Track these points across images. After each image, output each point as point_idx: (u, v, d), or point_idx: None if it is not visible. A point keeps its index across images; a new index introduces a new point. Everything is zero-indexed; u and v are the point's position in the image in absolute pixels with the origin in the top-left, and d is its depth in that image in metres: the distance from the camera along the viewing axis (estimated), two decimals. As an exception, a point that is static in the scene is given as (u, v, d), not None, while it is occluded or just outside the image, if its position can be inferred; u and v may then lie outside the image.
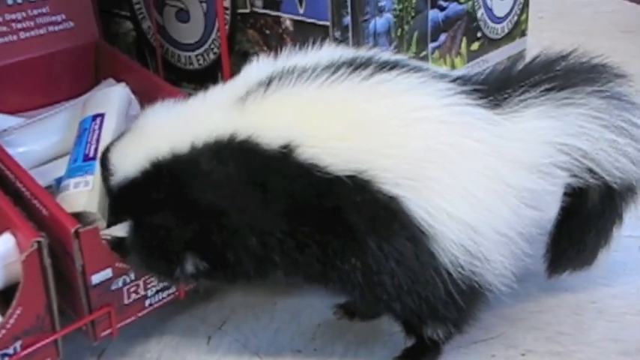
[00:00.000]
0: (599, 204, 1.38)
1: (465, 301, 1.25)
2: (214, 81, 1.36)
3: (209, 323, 1.49)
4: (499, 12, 1.95)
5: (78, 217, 1.32)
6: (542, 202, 1.27)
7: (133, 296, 1.37)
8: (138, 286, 1.36)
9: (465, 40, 1.86)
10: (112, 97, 1.61)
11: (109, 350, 1.44)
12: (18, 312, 1.22)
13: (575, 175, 1.30)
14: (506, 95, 1.27)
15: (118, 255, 1.31)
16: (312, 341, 1.45)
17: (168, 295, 1.43)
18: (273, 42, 1.63)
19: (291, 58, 1.30)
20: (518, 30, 2.04)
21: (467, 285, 1.22)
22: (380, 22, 1.60)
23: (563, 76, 1.30)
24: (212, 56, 1.78)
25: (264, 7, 1.61)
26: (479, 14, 1.88)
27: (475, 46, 1.90)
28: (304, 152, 1.18)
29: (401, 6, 1.63)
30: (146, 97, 1.60)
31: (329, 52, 1.31)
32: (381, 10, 1.59)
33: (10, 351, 1.23)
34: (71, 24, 1.84)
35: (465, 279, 1.21)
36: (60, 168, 1.51)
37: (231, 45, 1.68)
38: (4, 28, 1.75)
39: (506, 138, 1.23)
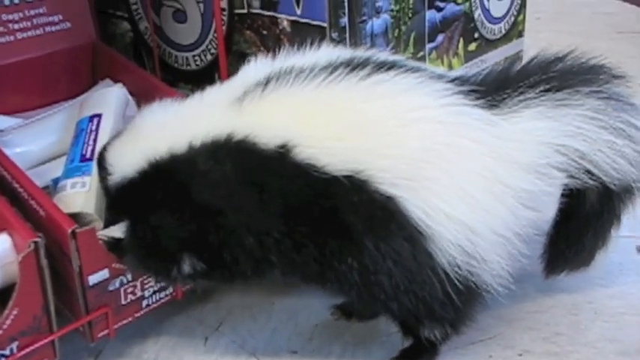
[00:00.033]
0: (597, 205, 1.38)
1: (462, 301, 1.25)
2: (211, 82, 1.35)
3: (206, 324, 1.49)
4: (496, 13, 1.95)
5: (75, 217, 1.32)
6: (540, 202, 1.27)
7: (130, 297, 1.36)
8: (135, 286, 1.36)
9: (462, 40, 1.86)
10: (109, 98, 1.60)
11: (106, 351, 1.44)
12: (15, 313, 1.22)
13: (572, 176, 1.30)
14: (504, 96, 1.27)
15: (115, 256, 1.31)
16: (309, 342, 1.45)
17: (166, 295, 1.43)
18: (271, 43, 1.63)
19: (289, 58, 1.30)
20: (515, 31, 2.04)
21: (464, 285, 1.22)
22: (377, 23, 1.60)
23: (560, 76, 1.30)
24: (209, 57, 1.78)
25: (262, 8, 1.61)
26: (476, 15, 1.88)
27: (472, 46, 1.90)
28: (301, 152, 1.18)
29: (398, 7, 1.64)
30: (143, 97, 1.60)
31: (327, 52, 1.31)
32: (378, 11, 1.59)
33: (7, 352, 1.23)
34: (68, 24, 1.84)
35: (462, 279, 1.21)
36: (57, 168, 1.51)
37: (228, 46, 1.68)
38: (1, 29, 1.75)
39: (504, 138, 1.23)
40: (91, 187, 1.40)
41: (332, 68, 1.24)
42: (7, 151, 1.49)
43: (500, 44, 2.00)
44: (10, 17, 1.75)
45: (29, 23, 1.78)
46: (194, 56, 1.81)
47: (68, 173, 1.44)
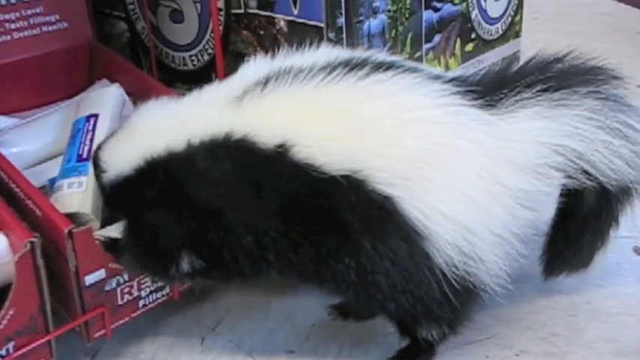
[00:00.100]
0: (595, 205, 1.38)
1: (459, 301, 1.25)
2: (208, 82, 1.35)
3: (203, 324, 1.49)
4: (493, 13, 1.95)
5: (71, 217, 1.32)
6: (538, 203, 1.27)
7: (127, 297, 1.36)
8: (132, 286, 1.36)
9: (459, 41, 1.86)
10: (106, 98, 1.60)
11: (102, 351, 1.43)
12: (11, 313, 1.22)
13: (570, 177, 1.30)
14: (501, 96, 1.27)
15: (112, 256, 1.31)
16: (306, 342, 1.44)
17: (162, 295, 1.42)
18: (267, 43, 1.63)
19: (288, 58, 1.30)
20: (512, 31, 2.04)
21: (461, 285, 1.22)
22: (374, 23, 1.60)
23: (558, 77, 1.30)
24: (206, 57, 1.78)
25: (259, 8, 1.61)
26: (473, 15, 1.88)
27: (469, 47, 1.90)
28: (300, 152, 1.18)
29: (395, 7, 1.63)
30: (140, 97, 1.58)
31: (325, 52, 1.31)
32: (375, 12, 1.59)
33: (3, 352, 1.23)
34: (65, 24, 1.84)
35: (459, 279, 1.21)
36: (54, 168, 1.50)
37: (225, 46, 1.68)
38: (-2, 28, 1.75)
39: (501, 138, 1.23)
40: (88, 187, 1.40)
41: (330, 68, 1.24)
42: (4, 151, 1.49)
43: (498, 45, 2.00)
44: (7, 17, 1.75)
45: (26, 23, 1.78)
46: (191, 56, 1.81)
47: (65, 173, 1.44)
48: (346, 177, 1.17)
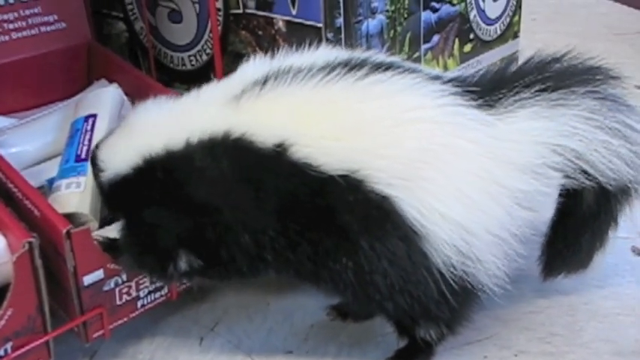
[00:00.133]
0: (595, 205, 1.38)
1: (457, 301, 1.25)
2: (207, 82, 1.35)
3: (201, 324, 1.49)
4: (492, 14, 1.95)
5: (70, 217, 1.32)
6: (536, 203, 1.27)
7: (125, 297, 1.36)
8: (130, 287, 1.36)
9: (457, 41, 1.86)
10: (105, 98, 1.61)
11: (101, 351, 1.43)
12: (9, 313, 1.21)
13: (569, 177, 1.30)
14: (499, 96, 1.27)
15: (111, 256, 1.31)
16: (304, 342, 1.44)
17: (161, 296, 1.42)
18: (266, 43, 1.63)
19: (287, 58, 1.30)
20: (510, 32, 2.04)
21: (459, 285, 1.22)
22: (372, 24, 1.60)
23: (556, 77, 1.30)
24: (205, 57, 1.78)
25: (257, 8, 1.61)
26: (471, 16, 1.88)
27: (468, 47, 1.90)
28: (298, 151, 1.18)
29: (393, 7, 1.63)
30: (138, 97, 1.58)
31: (325, 53, 1.32)
32: (373, 12, 1.59)
33: (1, 352, 1.23)
34: (63, 24, 1.84)
35: (457, 279, 1.21)
36: (52, 169, 1.51)
37: (223, 46, 1.68)
38: (-4, 29, 1.75)
39: (500, 139, 1.23)
40: (86, 188, 1.40)
41: (330, 68, 1.24)
42: (2, 151, 1.49)
43: (496, 45, 2.00)
44: (5, 17, 1.75)
45: (24, 23, 1.78)
46: (189, 56, 1.81)
47: (63, 173, 1.44)
48: (344, 177, 1.17)
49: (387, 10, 1.62)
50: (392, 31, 1.65)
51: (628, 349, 1.40)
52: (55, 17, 1.82)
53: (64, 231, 1.24)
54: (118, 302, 1.35)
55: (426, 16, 1.74)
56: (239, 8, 1.64)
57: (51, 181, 1.46)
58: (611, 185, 1.32)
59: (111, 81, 1.75)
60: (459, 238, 1.18)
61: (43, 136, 1.64)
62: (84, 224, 1.31)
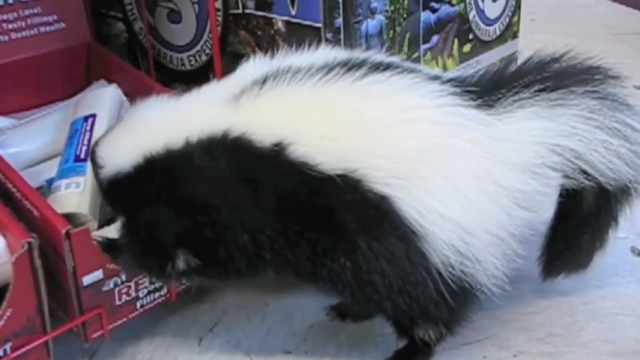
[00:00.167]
0: (594, 205, 1.38)
1: (456, 301, 1.25)
2: (206, 82, 1.35)
3: (200, 324, 1.49)
4: (491, 14, 1.95)
5: (69, 218, 1.32)
6: (536, 203, 1.27)
7: (125, 298, 1.36)
8: (129, 287, 1.36)
9: (456, 41, 1.86)
10: (104, 99, 1.60)
11: (100, 352, 1.43)
12: (8, 313, 1.21)
13: (568, 177, 1.30)
14: (498, 96, 1.27)
15: (110, 256, 1.31)
16: (304, 342, 1.44)
17: (160, 296, 1.42)
18: (265, 43, 1.63)
19: (287, 58, 1.30)
20: (510, 32, 2.04)
21: (458, 285, 1.22)
22: (372, 24, 1.60)
23: (555, 77, 1.30)
24: (204, 57, 1.78)
25: (256, 9, 1.61)
26: (471, 16, 1.88)
27: (467, 47, 1.90)
28: (296, 150, 1.18)
29: (393, 8, 1.63)
30: (138, 98, 1.59)
31: (324, 53, 1.32)
32: (372, 12, 1.59)
33: (1, 353, 1.23)
34: (63, 25, 1.84)
35: (455, 279, 1.21)
36: (51, 169, 1.50)
37: (223, 46, 1.68)
38: (-5, 29, 1.75)
39: (499, 139, 1.23)
40: (86, 188, 1.40)
41: (329, 68, 1.24)
42: (2, 152, 1.49)
43: (495, 45, 2.00)
44: (5, 17, 1.75)
45: (23, 23, 1.78)
46: (189, 57, 1.81)
47: (62, 174, 1.44)
48: (343, 176, 1.17)
49: (387, 11, 1.62)
50: (391, 32, 1.65)
51: (627, 350, 1.40)
52: (55, 17, 1.82)
53: (64, 231, 1.24)
54: (118, 302, 1.35)
55: (426, 16, 1.74)
56: (238, 8, 1.64)
57: (50, 182, 1.46)
58: (611, 185, 1.32)
59: (110, 81, 1.75)
60: (457, 238, 1.18)
61: (42, 136, 1.64)
62: (83, 224, 1.31)
